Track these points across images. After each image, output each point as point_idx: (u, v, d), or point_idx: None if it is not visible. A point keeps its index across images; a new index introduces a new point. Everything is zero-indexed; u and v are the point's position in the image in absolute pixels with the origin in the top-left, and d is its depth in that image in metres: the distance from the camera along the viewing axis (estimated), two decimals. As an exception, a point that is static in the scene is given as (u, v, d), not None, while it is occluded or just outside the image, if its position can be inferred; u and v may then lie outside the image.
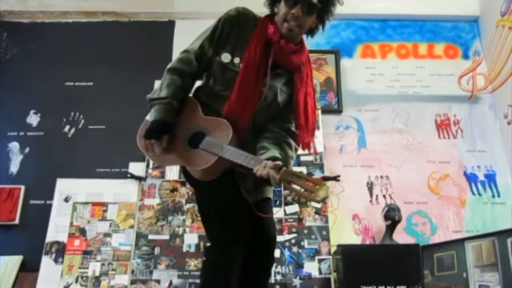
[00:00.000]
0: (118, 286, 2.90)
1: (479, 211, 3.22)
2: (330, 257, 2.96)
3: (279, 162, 1.49)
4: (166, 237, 3.03)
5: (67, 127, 3.39)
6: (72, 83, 3.50)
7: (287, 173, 1.44)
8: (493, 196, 3.25)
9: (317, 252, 3.00)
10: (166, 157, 1.71)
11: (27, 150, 3.32)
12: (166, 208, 3.10)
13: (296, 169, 3.20)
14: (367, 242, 3.12)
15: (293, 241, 3.02)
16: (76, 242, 3.03)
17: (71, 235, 3.04)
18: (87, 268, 2.96)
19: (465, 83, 3.56)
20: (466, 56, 3.65)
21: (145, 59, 3.50)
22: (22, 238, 3.07)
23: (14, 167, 3.27)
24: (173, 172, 3.19)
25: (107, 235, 3.05)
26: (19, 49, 3.61)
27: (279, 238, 2.92)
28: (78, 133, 3.38)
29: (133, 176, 3.18)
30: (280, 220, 3.02)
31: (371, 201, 3.24)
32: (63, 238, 3.02)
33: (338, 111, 3.47)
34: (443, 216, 3.21)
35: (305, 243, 3.02)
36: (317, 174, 3.20)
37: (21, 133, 3.36)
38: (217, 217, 1.66)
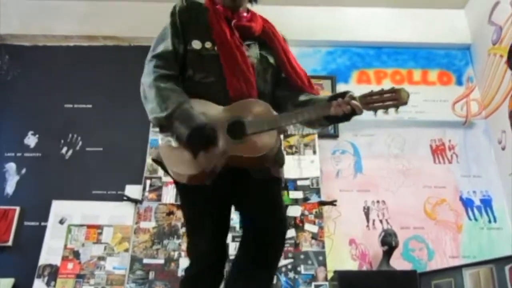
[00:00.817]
0: (111, 311, 2.87)
1: (476, 236, 3.21)
2: (327, 283, 2.94)
3: (350, 93, 1.51)
4: (161, 261, 3.00)
5: (64, 149, 3.40)
6: (71, 105, 3.53)
7: (362, 97, 1.50)
8: (490, 221, 3.26)
9: (314, 278, 2.98)
10: (217, 160, 1.50)
11: (23, 171, 3.32)
12: (162, 231, 3.08)
13: (293, 193, 3.23)
14: (364, 268, 3.10)
15: (289, 266, 3.00)
16: (70, 265, 2.99)
17: (64, 258, 3.01)
18: (80, 292, 2.91)
19: (459, 109, 3.62)
20: (459, 83, 3.72)
21: (144, 82, 3.53)
22: (14, 260, 3.03)
23: (10, 188, 3.26)
24: (169, 195, 3.18)
25: (101, 258, 3.02)
26: (20, 71, 3.64)
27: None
28: (75, 155, 3.38)
29: (129, 199, 3.17)
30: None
31: (367, 226, 3.24)
32: (56, 261, 3.00)
33: (335, 136, 3.50)
34: (440, 241, 3.20)
35: (302, 268, 3.00)
36: (314, 199, 3.21)
37: (18, 154, 3.37)
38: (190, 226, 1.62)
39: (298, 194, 3.22)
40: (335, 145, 3.48)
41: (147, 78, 1.61)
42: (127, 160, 3.27)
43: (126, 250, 3.03)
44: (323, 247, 3.06)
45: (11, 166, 3.33)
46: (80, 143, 3.41)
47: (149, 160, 3.18)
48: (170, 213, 3.13)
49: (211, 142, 1.48)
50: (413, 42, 3.80)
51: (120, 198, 3.18)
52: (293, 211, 3.17)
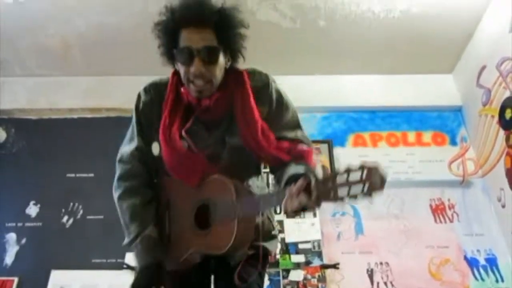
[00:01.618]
0: None
1: (485, 297, 3.13)
2: None
3: (301, 180, 1.19)
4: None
5: (65, 218, 3.40)
6: (73, 175, 3.58)
7: (319, 184, 1.13)
8: (497, 281, 3.18)
9: None
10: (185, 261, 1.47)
11: (23, 241, 3.30)
12: (162, 300, 3.01)
13: (295, 257, 3.19)
14: (371, 334, 3.00)
15: (294, 334, 2.90)
16: None
17: (61, 331, 2.92)
18: None
19: (455, 168, 3.65)
20: (453, 143, 3.78)
21: (144, 151, 3.61)
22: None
23: (9, 259, 3.23)
24: (169, 262, 3.14)
25: (100, 329, 2.93)
26: (24, 143, 3.73)
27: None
28: (76, 224, 3.38)
29: (129, 267, 3.12)
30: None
31: (372, 289, 3.17)
32: (53, 333, 2.91)
33: (334, 198, 3.50)
34: (447, 303, 3.11)
35: (306, 335, 2.90)
36: (316, 262, 3.16)
37: (19, 224, 3.37)
38: None
39: (300, 258, 3.18)
40: (334, 207, 3.48)
41: (115, 194, 1.57)
42: (127, 227, 3.25)
43: (125, 320, 2.94)
44: (327, 312, 2.98)
45: (11, 236, 3.32)
46: (81, 211, 3.43)
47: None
48: (170, 281, 3.07)
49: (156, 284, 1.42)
50: (405, 106, 3.92)
51: (120, 266, 3.13)
52: (295, 276, 3.11)
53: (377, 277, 3.20)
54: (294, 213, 1.24)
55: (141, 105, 1.59)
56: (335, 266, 3.18)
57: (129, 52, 3.75)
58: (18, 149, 3.71)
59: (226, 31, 1.43)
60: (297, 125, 1.59)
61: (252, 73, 1.56)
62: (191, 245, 1.42)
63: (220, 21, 1.41)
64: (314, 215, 3.36)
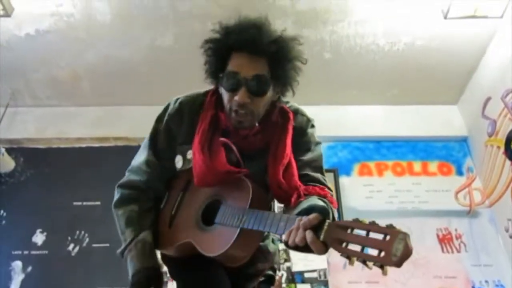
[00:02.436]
0: None
1: (495, 329, 3.07)
2: None
3: (316, 215, 1.03)
4: None
5: (71, 246, 3.40)
6: (80, 203, 3.60)
7: (334, 228, 0.98)
8: (507, 313, 3.13)
9: None
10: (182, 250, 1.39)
11: (29, 269, 3.30)
12: (167, 330, 2.97)
13: (301, 286, 3.15)
14: None
15: None
16: None
17: None
18: None
19: (462, 198, 3.64)
20: (460, 173, 3.78)
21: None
22: None
23: (14, 287, 3.21)
24: (174, 290, 3.11)
25: None
26: (33, 172, 3.76)
27: None
28: (81, 252, 3.38)
29: (134, 296, 3.10)
30: None
31: (380, 321, 3.12)
32: None
33: (340, 227, 3.49)
34: (458, 336, 3.05)
35: None
36: (322, 293, 3.13)
37: (25, 252, 3.37)
38: None
39: (306, 287, 3.15)
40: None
41: (113, 200, 1.51)
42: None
43: None
44: None
45: (17, 265, 3.31)
46: (87, 239, 3.43)
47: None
48: (175, 310, 3.04)
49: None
50: (410, 136, 3.94)
51: (125, 294, 3.12)
52: (302, 306, 3.08)
53: (385, 308, 3.16)
54: (293, 248, 1.08)
55: (166, 116, 1.49)
56: (342, 296, 3.14)
57: (136, 83, 3.84)
58: (26, 177, 3.74)
59: (282, 64, 1.33)
60: (321, 168, 1.52)
61: (295, 112, 1.52)
62: (188, 235, 1.35)
63: (277, 52, 1.31)
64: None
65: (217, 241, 1.25)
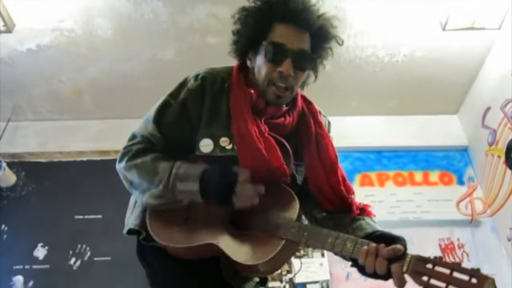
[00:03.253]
0: None
1: None
2: None
3: (400, 247, 1.02)
4: None
5: (72, 260, 3.39)
6: (81, 216, 3.59)
7: (415, 260, 0.98)
8: (513, 324, 3.10)
9: None
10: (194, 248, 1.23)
11: (30, 283, 3.28)
12: None
13: (311, 286, 3.13)
14: None
15: None
16: None
17: None
18: None
19: (464, 208, 3.64)
20: (461, 182, 3.78)
21: (152, 191, 3.63)
22: None
23: (15, 302, 3.21)
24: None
25: None
26: (34, 186, 3.75)
27: None
28: (83, 265, 3.36)
29: (135, 308, 3.09)
30: None
31: (384, 333, 3.08)
32: None
33: (342, 238, 3.48)
34: None
35: None
36: (325, 305, 3.12)
37: (27, 266, 3.35)
38: None
39: (310, 300, 3.14)
40: (343, 247, 3.44)
41: (121, 163, 1.36)
42: (134, 268, 3.21)
43: None
44: None
45: (18, 279, 3.29)
46: (89, 253, 3.41)
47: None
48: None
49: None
50: (411, 146, 3.95)
51: (127, 309, 3.11)
52: (304, 318, 3.07)
53: (388, 320, 3.13)
54: (367, 274, 1.09)
55: (184, 93, 1.34)
56: (345, 308, 3.12)
57: (138, 97, 3.83)
58: (28, 192, 3.73)
59: (322, 42, 1.31)
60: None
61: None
62: (214, 237, 1.20)
63: (321, 29, 1.28)
64: (322, 255, 3.33)
65: (256, 250, 1.16)
